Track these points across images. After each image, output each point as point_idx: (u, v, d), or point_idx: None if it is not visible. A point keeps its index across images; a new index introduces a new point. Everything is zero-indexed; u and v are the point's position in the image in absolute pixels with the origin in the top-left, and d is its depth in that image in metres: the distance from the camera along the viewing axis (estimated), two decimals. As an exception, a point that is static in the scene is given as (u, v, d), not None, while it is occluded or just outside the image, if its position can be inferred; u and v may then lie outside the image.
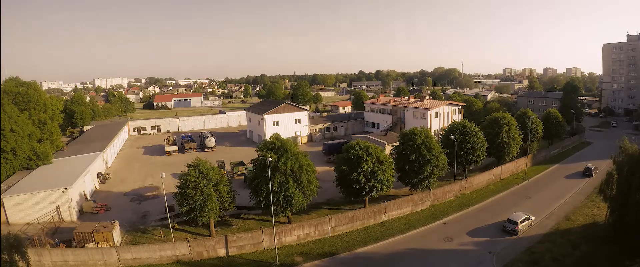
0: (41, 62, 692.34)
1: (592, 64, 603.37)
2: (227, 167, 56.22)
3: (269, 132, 74.69)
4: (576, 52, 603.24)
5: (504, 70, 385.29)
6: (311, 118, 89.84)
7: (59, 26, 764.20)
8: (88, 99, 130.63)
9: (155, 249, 31.56)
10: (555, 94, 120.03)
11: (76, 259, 30.55)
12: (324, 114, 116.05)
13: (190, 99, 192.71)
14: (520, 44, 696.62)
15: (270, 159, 32.47)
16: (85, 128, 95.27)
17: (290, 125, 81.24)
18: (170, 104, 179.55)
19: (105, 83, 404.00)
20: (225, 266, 31.59)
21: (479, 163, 53.42)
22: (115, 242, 33.73)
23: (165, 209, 36.04)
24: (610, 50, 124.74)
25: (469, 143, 49.11)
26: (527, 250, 33.02)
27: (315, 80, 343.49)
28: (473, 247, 34.21)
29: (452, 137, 48.26)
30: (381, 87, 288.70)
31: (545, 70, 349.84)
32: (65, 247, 32.36)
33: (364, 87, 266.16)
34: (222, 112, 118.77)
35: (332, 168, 45.38)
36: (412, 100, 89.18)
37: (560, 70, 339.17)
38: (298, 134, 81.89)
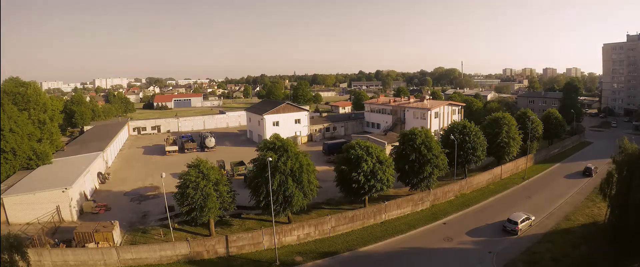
0: (41, 62, 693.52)
1: (592, 64, 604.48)
2: (227, 167, 56.26)
3: (269, 132, 74.74)
4: (576, 52, 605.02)
5: (504, 70, 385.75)
6: (311, 118, 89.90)
7: (59, 26, 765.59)
8: (88, 99, 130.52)
9: (155, 249, 31.58)
10: (555, 94, 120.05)
11: (76, 259, 30.54)
12: (324, 114, 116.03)
13: (190, 99, 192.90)
14: (520, 44, 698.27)
15: (270, 159, 32.48)
16: (85, 128, 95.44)
17: (290, 125, 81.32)
18: (170, 104, 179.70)
19: (105, 83, 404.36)
20: (225, 265, 31.58)
21: (479, 163, 53.39)
22: (115, 242, 33.74)
23: (165, 209, 36.07)
24: (610, 50, 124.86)
25: (469, 143, 49.12)
26: (527, 250, 33.02)
27: (315, 80, 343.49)
28: (473, 247, 34.22)
29: (452, 137, 48.25)
30: (381, 87, 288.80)
31: (545, 70, 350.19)
32: (65, 247, 32.37)
33: (364, 87, 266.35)
34: (222, 112, 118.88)
35: (332, 168, 45.34)
36: (412, 100, 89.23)
37: (560, 70, 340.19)
38: (298, 134, 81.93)
